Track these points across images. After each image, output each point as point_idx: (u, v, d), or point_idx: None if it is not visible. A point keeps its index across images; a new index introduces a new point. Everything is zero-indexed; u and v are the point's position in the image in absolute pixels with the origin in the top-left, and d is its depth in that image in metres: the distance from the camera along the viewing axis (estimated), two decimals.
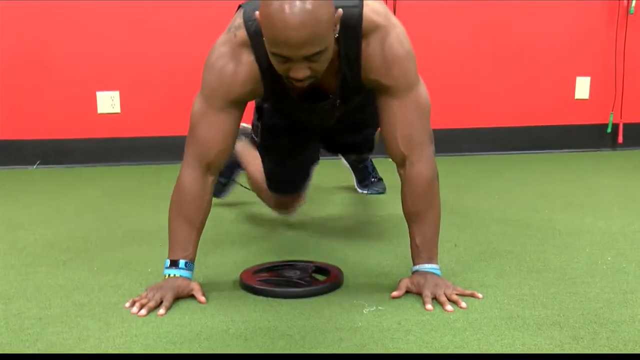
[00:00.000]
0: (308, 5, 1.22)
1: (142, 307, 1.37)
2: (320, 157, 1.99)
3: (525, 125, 3.40)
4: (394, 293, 1.42)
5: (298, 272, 1.54)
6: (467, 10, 3.24)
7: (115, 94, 3.19)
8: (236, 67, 1.43)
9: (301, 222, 2.09)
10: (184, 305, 1.40)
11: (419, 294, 1.41)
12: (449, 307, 1.35)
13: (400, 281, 1.45)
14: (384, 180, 2.48)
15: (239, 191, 2.26)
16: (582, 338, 1.21)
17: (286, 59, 1.28)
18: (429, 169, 1.47)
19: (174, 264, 1.46)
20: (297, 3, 1.21)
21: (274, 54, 1.29)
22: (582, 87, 3.39)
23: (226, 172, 2.34)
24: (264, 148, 1.90)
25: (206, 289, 1.47)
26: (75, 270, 1.64)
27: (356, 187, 2.53)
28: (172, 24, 3.15)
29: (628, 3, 3.26)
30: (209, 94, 1.48)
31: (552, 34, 3.33)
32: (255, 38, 1.39)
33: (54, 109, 3.19)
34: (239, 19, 1.44)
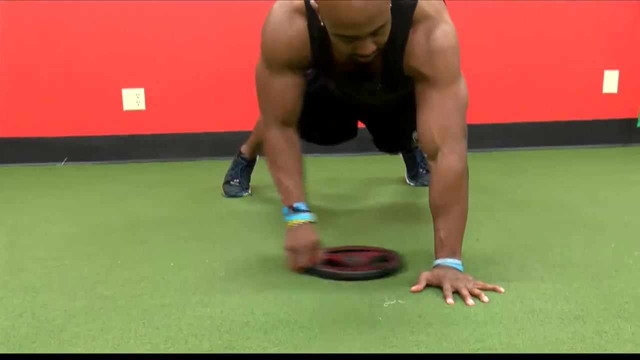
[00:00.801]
0: None
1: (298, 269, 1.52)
2: (378, 153, 2.12)
3: (552, 120, 3.36)
4: (414, 287, 1.41)
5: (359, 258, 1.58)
6: (495, 4, 3.21)
7: (140, 91, 3.22)
8: (290, 30, 1.50)
9: (325, 210, 2.10)
10: (206, 298, 1.41)
11: (439, 287, 1.40)
12: (470, 300, 1.34)
13: (420, 274, 1.44)
14: None
15: (266, 186, 2.27)
16: (605, 333, 1.20)
17: (352, 39, 1.32)
18: (460, 162, 1.47)
19: (293, 209, 1.57)
20: None
21: (339, 35, 1.33)
22: (610, 81, 3.34)
23: (242, 177, 2.38)
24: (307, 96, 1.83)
25: (228, 282, 1.48)
26: (99, 263, 1.67)
27: (406, 178, 2.55)
28: (196, 21, 3.17)
29: None
30: (271, 57, 1.55)
31: (579, 27, 3.28)
32: (311, 10, 1.42)
33: (80, 107, 3.24)
34: None
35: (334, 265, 1.54)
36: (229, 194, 2.40)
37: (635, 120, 3.35)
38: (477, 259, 1.61)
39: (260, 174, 2.55)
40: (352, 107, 1.94)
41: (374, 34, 1.32)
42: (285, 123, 1.61)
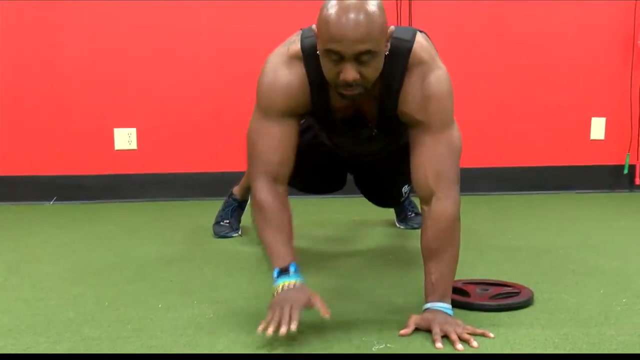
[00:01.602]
0: (366, 6, 1.33)
1: (277, 327, 1.30)
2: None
3: (541, 165, 3.39)
4: (403, 331, 1.40)
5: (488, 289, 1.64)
6: (482, 50, 3.28)
7: (133, 131, 3.24)
8: (288, 78, 1.51)
9: (314, 252, 2.09)
10: (194, 340, 1.39)
11: (429, 331, 1.39)
12: (459, 345, 1.33)
13: (409, 318, 1.43)
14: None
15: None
16: None
17: (339, 58, 1.35)
18: (454, 207, 1.48)
19: (284, 271, 1.43)
20: (356, 4, 1.32)
21: (328, 51, 1.36)
22: (598, 128, 3.39)
23: (233, 218, 2.38)
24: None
25: (216, 324, 1.47)
26: (85, 304, 1.65)
27: (395, 221, 2.57)
28: (188, 62, 3.21)
29: None
30: (267, 106, 1.54)
31: (567, 75, 3.34)
32: (308, 51, 1.47)
33: (71, 146, 3.24)
34: (295, 36, 1.55)
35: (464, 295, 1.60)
36: (218, 235, 2.40)
37: (623, 166, 3.39)
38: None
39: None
40: (342, 159, 1.95)
41: (359, 59, 1.35)
42: (276, 180, 1.54)
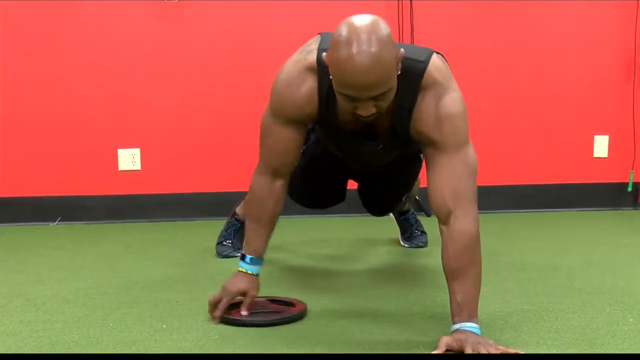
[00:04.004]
0: (374, 49, 1.32)
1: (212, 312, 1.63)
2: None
3: (544, 183, 3.39)
4: (435, 351, 1.37)
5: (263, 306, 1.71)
6: (486, 69, 3.29)
7: (136, 152, 3.25)
8: (299, 89, 1.55)
9: (318, 271, 2.09)
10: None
11: (461, 352, 1.37)
12: None
13: (440, 339, 1.39)
14: (427, 234, 2.53)
15: None
16: None
17: (354, 99, 1.37)
18: (474, 225, 1.47)
19: (242, 258, 1.68)
20: (364, 48, 1.31)
21: (341, 94, 1.38)
22: (601, 146, 3.39)
23: (235, 238, 2.39)
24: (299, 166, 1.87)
25: (222, 345, 1.46)
26: (90, 326, 1.64)
27: (400, 240, 2.56)
28: (192, 83, 3.23)
29: None
30: (277, 109, 1.61)
31: (570, 93, 3.35)
32: (322, 65, 1.48)
33: (75, 166, 3.25)
34: (314, 44, 1.57)
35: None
36: (221, 254, 2.40)
37: (626, 184, 3.38)
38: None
39: None
40: (347, 168, 1.96)
41: (375, 98, 1.37)
42: (276, 173, 1.65)
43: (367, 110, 1.39)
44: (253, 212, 1.69)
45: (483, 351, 1.34)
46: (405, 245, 2.53)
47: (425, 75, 1.48)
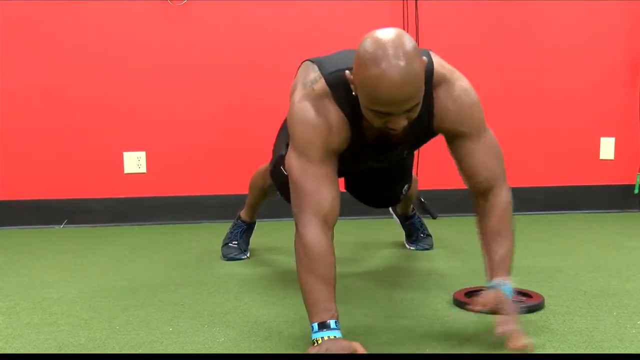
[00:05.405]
0: (403, 63, 1.30)
1: None
2: (376, 216, 2.02)
3: (550, 185, 3.39)
4: (470, 307, 1.49)
5: None
6: (491, 71, 3.29)
7: (142, 154, 3.25)
8: (327, 117, 1.50)
9: None
10: None
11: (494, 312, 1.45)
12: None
13: (473, 300, 1.49)
14: (432, 236, 2.56)
15: (265, 249, 2.26)
16: None
17: (386, 114, 1.37)
18: (509, 196, 1.61)
19: (324, 326, 1.36)
20: (395, 63, 1.29)
21: (374, 111, 1.37)
22: (607, 148, 3.38)
23: (241, 240, 2.38)
24: None
25: (228, 348, 1.46)
26: (96, 329, 1.64)
27: (405, 243, 2.56)
28: (197, 86, 3.23)
29: None
30: (306, 147, 1.48)
31: (576, 95, 3.35)
32: (336, 88, 1.48)
33: (81, 170, 3.26)
34: (313, 73, 1.54)
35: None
36: (227, 257, 2.40)
37: (633, 186, 3.37)
38: (478, 325, 1.59)
39: (260, 236, 2.55)
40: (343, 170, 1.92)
41: (408, 110, 1.37)
42: (326, 222, 1.47)
43: (400, 124, 1.38)
44: (316, 270, 1.42)
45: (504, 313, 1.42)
46: (411, 247, 2.53)
47: (435, 73, 1.52)
